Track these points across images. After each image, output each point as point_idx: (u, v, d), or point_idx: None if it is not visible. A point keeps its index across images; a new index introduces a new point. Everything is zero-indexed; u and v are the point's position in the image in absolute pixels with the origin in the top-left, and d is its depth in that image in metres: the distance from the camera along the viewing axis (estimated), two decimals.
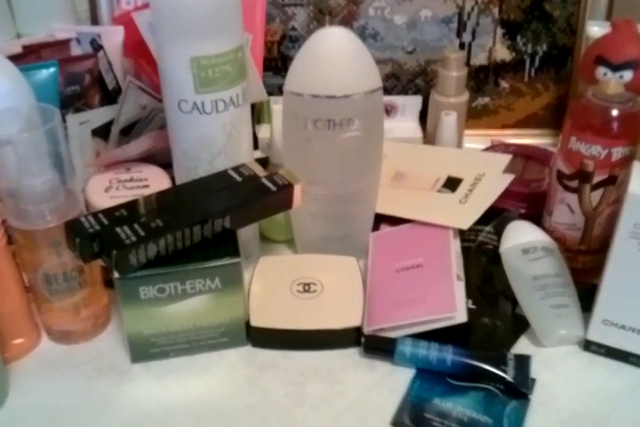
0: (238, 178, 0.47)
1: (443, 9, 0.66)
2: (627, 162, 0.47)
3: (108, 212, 0.44)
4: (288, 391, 0.45)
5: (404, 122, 0.68)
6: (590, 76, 0.50)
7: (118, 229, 0.42)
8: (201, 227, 0.44)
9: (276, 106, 0.55)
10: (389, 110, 0.68)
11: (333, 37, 0.47)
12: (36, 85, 0.49)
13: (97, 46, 0.57)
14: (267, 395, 0.45)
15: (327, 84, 0.47)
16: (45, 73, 0.51)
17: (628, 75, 0.49)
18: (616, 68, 0.49)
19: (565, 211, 0.51)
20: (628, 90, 0.48)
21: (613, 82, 0.47)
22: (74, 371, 0.47)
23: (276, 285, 0.50)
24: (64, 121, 0.51)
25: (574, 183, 0.49)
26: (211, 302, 0.45)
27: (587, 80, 0.51)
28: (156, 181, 0.52)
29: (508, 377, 0.44)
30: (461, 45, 0.68)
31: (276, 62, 0.68)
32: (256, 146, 0.64)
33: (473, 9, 0.66)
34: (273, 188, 0.47)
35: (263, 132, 0.66)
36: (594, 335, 0.46)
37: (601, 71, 0.50)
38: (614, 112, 0.47)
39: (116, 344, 0.49)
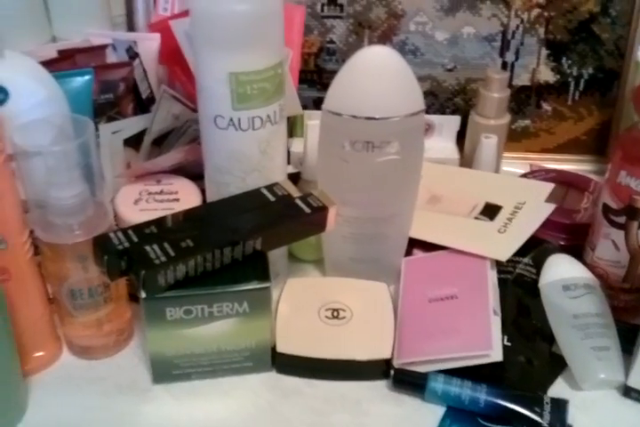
0: (271, 198, 0.46)
1: (486, 26, 0.64)
2: None
3: (138, 228, 0.43)
4: (311, 421, 0.44)
5: (440, 142, 0.66)
6: None
7: (148, 248, 0.41)
8: (232, 248, 0.43)
9: (311, 122, 0.53)
10: (426, 129, 0.66)
11: (377, 57, 0.45)
12: (70, 93, 0.48)
13: (133, 54, 0.56)
14: (289, 423, 0.44)
15: (367, 105, 0.45)
16: (80, 80, 0.50)
17: None
18: None
19: (610, 247, 0.49)
20: None
21: None
22: (93, 387, 0.46)
23: (304, 309, 0.48)
24: (96, 130, 0.50)
25: (621, 219, 0.47)
26: (237, 326, 0.44)
27: None
28: (186, 194, 0.51)
29: (544, 422, 0.42)
30: (504, 65, 0.66)
31: (312, 75, 0.67)
32: (288, 160, 0.63)
33: (518, 28, 0.64)
34: (307, 209, 0.45)
35: (296, 146, 0.64)
36: (634, 382, 0.44)
37: None
38: None
39: (138, 361, 0.48)
